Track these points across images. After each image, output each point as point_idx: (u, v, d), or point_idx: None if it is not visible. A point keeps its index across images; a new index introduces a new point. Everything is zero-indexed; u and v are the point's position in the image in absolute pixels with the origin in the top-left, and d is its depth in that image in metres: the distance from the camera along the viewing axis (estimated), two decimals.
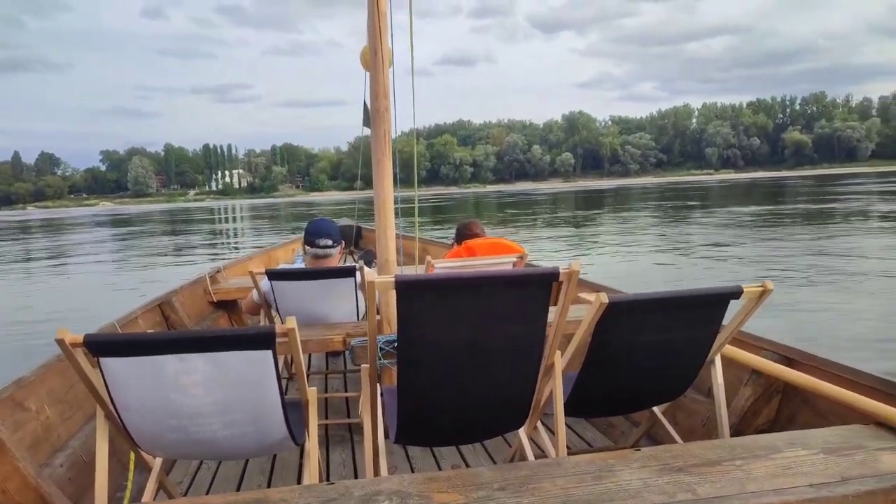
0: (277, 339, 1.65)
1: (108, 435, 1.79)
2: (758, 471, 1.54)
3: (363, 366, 2.10)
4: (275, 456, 2.97)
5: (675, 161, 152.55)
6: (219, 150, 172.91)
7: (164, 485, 2.14)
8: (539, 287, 1.75)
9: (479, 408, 1.93)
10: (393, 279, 1.64)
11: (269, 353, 1.67)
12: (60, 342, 1.58)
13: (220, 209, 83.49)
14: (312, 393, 1.99)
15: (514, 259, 3.60)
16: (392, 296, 1.69)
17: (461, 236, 4.03)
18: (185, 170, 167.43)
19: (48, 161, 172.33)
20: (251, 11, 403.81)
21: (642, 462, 1.61)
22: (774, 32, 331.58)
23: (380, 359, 2.29)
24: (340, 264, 3.48)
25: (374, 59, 2.70)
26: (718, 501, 1.40)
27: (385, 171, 2.77)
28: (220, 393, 1.70)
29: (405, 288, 1.66)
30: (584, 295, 2.58)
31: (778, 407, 2.45)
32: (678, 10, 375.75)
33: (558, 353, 2.06)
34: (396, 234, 2.89)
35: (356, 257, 7.39)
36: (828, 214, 23.45)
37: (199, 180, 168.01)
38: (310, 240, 3.30)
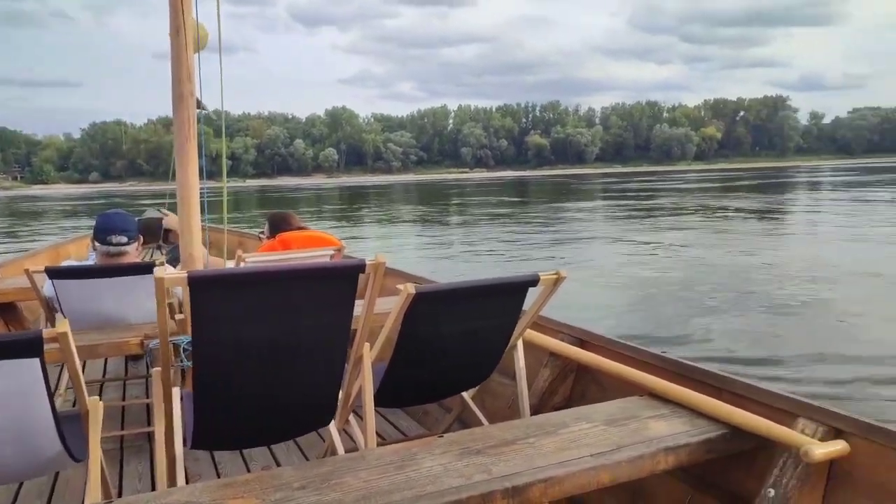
0: (47, 346, 1.46)
1: None
2: (547, 446, 1.69)
3: (154, 369, 1.94)
4: (57, 475, 2.63)
5: (434, 159, 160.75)
6: None
7: None
8: (344, 280, 1.74)
9: (284, 406, 1.88)
10: (185, 275, 1.54)
11: (37, 361, 1.48)
12: None
13: None
14: (93, 403, 1.77)
15: (332, 252, 3.56)
16: None
17: (275, 229, 3.85)
18: None
19: None
20: None
21: (445, 448, 1.68)
22: (519, 45, 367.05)
23: (182, 361, 2.16)
24: (142, 260, 3.15)
25: (175, 38, 2.51)
26: (510, 479, 1.51)
27: (189, 159, 2.59)
28: None
29: (198, 284, 1.57)
30: (399, 286, 2.67)
31: (572, 385, 2.61)
32: (433, 16, 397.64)
33: (367, 345, 2.04)
34: (203, 227, 2.72)
35: (164, 252, 6.65)
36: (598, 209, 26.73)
37: None
38: (100, 236, 2.90)
